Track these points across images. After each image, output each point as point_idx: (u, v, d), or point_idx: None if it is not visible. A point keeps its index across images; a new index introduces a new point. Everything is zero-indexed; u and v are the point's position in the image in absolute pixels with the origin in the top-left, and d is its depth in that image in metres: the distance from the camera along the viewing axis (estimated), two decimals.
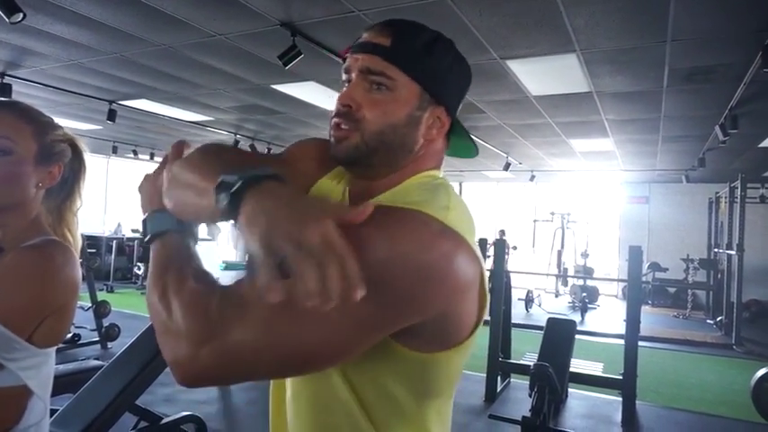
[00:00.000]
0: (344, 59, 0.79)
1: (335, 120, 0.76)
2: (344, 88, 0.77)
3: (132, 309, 7.33)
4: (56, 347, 1.00)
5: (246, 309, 0.59)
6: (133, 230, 11.31)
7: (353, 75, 0.76)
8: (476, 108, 5.58)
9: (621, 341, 4.01)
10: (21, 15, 3.07)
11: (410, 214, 0.64)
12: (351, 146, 0.74)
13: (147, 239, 0.75)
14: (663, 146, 7.15)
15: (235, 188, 0.55)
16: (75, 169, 1.10)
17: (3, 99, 1.02)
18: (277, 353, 0.60)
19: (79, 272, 1.01)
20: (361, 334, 0.61)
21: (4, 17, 3.02)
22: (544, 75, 4.40)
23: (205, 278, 0.68)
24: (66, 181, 1.08)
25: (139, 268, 9.67)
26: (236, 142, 7.80)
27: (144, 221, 0.78)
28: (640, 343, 3.99)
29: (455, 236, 0.64)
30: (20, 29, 3.63)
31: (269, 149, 8.47)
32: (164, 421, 2.49)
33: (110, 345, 5.20)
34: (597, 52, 3.78)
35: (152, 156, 10.05)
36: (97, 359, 3.70)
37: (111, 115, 5.95)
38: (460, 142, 0.85)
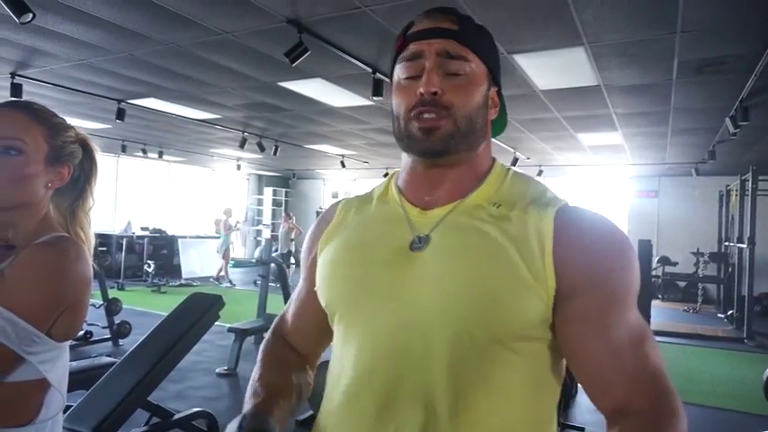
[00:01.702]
0: (399, 49, 0.78)
1: (420, 109, 0.73)
2: (404, 81, 0.76)
3: (143, 306, 7.39)
4: (69, 342, 1.02)
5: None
6: (143, 228, 11.41)
7: (428, 61, 0.73)
8: None
9: None
10: (30, 15, 3.09)
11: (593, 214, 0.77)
12: (446, 134, 0.73)
13: None
14: (672, 139, 7.09)
15: None
16: (87, 169, 1.11)
17: (17, 99, 1.03)
18: None
19: (91, 267, 1.03)
20: None
21: (14, 17, 3.04)
22: (552, 69, 4.37)
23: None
24: (77, 181, 1.09)
25: (149, 266, 9.73)
26: (244, 140, 7.82)
27: None
28: None
29: None
30: (30, 29, 3.66)
31: (276, 147, 8.48)
32: (175, 417, 2.51)
33: (121, 342, 5.25)
34: (605, 45, 3.75)
35: (161, 154, 10.10)
36: (109, 356, 3.73)
37: (120, 114, 5.99)
38: (496, 119, 0.86)
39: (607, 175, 11.55)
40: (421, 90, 0.72)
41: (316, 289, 0.82)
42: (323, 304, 0.81)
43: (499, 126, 0.88)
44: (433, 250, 0.72)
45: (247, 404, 0.77)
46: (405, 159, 0.82)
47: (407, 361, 0.70)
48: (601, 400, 0.69)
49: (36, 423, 0.96)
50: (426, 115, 0.72)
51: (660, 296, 10.13)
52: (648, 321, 3.84)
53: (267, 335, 0.94)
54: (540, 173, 10.12)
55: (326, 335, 0.85)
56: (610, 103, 5.37)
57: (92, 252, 1.07)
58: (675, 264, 9.87)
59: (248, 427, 0.71)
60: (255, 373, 0.85)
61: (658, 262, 9.79)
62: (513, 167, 0.83)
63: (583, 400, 4.14)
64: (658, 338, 6.22)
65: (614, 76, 4.45)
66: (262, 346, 0.91)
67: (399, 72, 0.77)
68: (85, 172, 1.11)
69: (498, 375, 0.68)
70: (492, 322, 0.67)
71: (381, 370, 0.71)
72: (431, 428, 0.68)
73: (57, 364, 0.98)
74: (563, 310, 0.68)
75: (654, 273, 8.90)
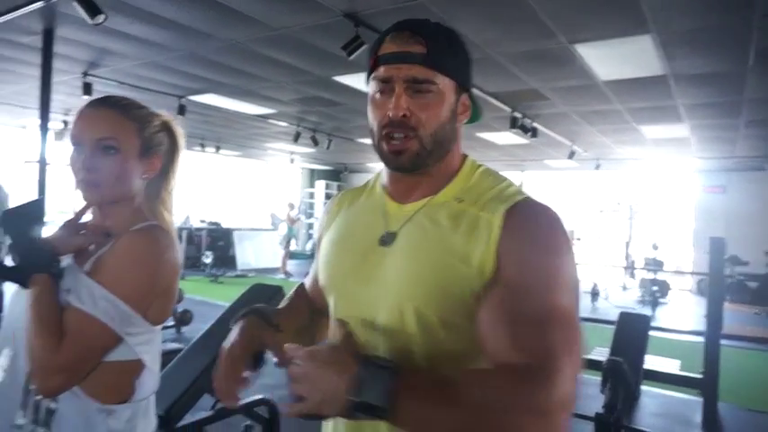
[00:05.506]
0: (372, 69, 0.84)
1: (388, 130, 0.81)
2: (378, 95, 0.83)
3: (202, 295, 7.65)
4: (162, 326, 1.07)
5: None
6: (201, 221, 11.83)
7: (397, 85, 0.80)
8: (540, 95, 5.41)
9: (699, 338, 3.80)
10: (102, 17, 3.24)
11: (545, 207, 0.82)
12: (413, 154, 0.81)
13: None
14: (744, 131, 6.68)
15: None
16: (170, 151, 1.14)
17: (108, 96, 1.08)
18: None
19: (179, 254, 1.07)
20: None
21: (88, 19, 3.20)
22: (615, 58, 4.20)
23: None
24: (163, 166, 1.12)
25: (207, 257, 10.08)
26: (298, 134, 7.95)
27: None
28: (720, 341, 3.76)
29: None
30: (101, 30, 3.83)
31: (330, 141, 8.58)
32: (239, 403, 2.57)
33: (183, 329, 5.46)
34: (674, 33, 3.57)
35: (218, 148, 10.43)
36: (174, 342, 3.89)
37: (182, 110, 6.20)
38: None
39: (670, 169, 11.03)
40: (390, 113, 0.80)
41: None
42: (320, 284, 0.97)
43: (474, 117, 0.92)
44: (398, 245, 0.84)
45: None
46: None
47: (375, 342, 0.82)
48: (493, 360, 0.74)
49: (132, 402, 1.01)
50: (396, 135, 0.81)
51: (728, 297, 9.57)
52: (720, 324, 3.64)
53: (294, 288, 1.13)
54: (597, 167, 9.79)
55: None
56: (676, 94, 5.11)
57: (175, 228, 1.11)
58: (746, 263, 9.31)
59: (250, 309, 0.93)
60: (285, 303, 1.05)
61: (727, 261, 9.27)
62: (484, 165, 0.91)
63: (646, 402, 3.98)
64: (728, 342, 5.92)
65: (682, 64, 4.23)
66: (293, 290, 1.11)
67: (373, 88, 0.84)
68: (169, 154, 1.13)
69: (444, 348, 0.79)
70: (440, 307, 0.78)
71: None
72: None
73: (152, 346, 1.03)
74: (487, 294, 0.76)
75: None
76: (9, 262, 0.97)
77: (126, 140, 1.02)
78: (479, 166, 0.91)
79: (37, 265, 0.95)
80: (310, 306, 1.07)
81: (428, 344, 0.79)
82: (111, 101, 1.05)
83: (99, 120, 1.01)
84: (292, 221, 11.13)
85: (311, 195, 15.14)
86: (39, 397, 0.95)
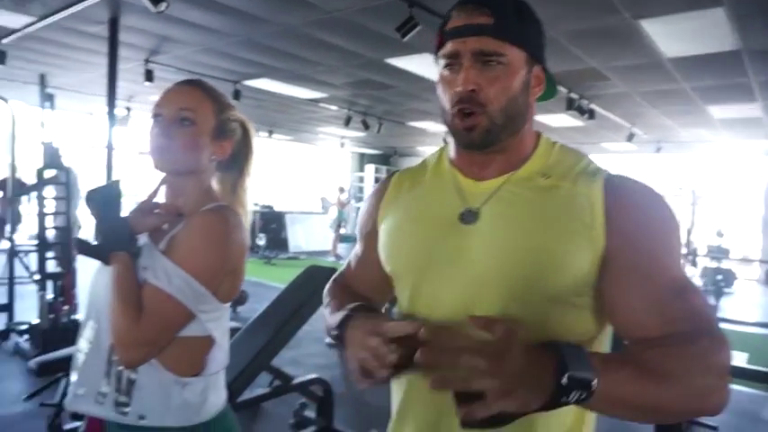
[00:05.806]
0: (439, 46, 0.82)
1: (460, 106, 0.78)
2: (447, 72, 0.80)
3: (256, 276, 7.87)
4: (230, 304, 1.11)
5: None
6: (254, 204, 12.13)
7: (465, 59, 0.78)
8: (599, 75, 5.19)
9: None
10: (165, 5, 3.35)
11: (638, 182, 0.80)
12: (483, 130, 0.78)
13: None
14: None
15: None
16: (245, 150, 1.19)
17: (191, 78, 1.13)
18: None
19: (248, 235, 1.10)
20: None
21: (151, 7, 3.31)
22: (683, 34, 3.97)
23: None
24: (237, 159, 1.17)
25: (261, 239, 10.35)
26: (349, 118, 7.98)
27: None
28: None
29: None
30: (162, 17, 3.95)
31: (380, 125, 8.58)
32: (295, 381, 2.66)
33: (239, 309, 5.65)
34: (750, 4, 3.33)
35: (270, 133, 10.63)
36: (230, 321, 4.01)
37: (236, 95, 6.34)
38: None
39: (738, 152, 10.37)
40: (458, 89, 0.78)
41: (381, 257, 0.91)
42: (388, 270, 0.91)
43: (548, 93, 0.89)
44: (485, 223, 0.80)
45: (335, 319, 0.86)
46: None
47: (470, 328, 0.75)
48: (636, 336, 0.74)
49: (205, 376, 1.06)
50: (467, 111, 0.78)
51: None
52: None
53: (329, 284, 1.04)
54: (658, 150, 9.34)
55: (390, 289, 0.94)
56: (750, 71, 4.78)
57: (248, 225, 1.15)
58: None
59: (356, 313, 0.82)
60: (331, 301, 0.95)
61: None
62: (558, 141, 0.88)
63: None
64: None
65: (758, 38, 3.95)
66: (327, 289, 1.01)
67: (441, 67, 0.82)
68: (244, 152, 1.19)
69: (549, 328, 0.75)
70: (545, 280, 0.75)
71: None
72: None
73: (221, 323, 1.07)
74: (610, 268, 0.74)
75: None
76: (84, 238, 1.03)
77: (202, 116, 1.06)
78: (555, 142, 0.88)
79: (117, 243, 1.00)
80: (362, 298, 0.98)
81: (533, 326, 0.74)
82: (196, 81, 1.11)
83: (181, 94, 1.07)
84: (342, 205, 11.28)
85: (361, 179, 15.22)
86: (120, 368, 1.00)
